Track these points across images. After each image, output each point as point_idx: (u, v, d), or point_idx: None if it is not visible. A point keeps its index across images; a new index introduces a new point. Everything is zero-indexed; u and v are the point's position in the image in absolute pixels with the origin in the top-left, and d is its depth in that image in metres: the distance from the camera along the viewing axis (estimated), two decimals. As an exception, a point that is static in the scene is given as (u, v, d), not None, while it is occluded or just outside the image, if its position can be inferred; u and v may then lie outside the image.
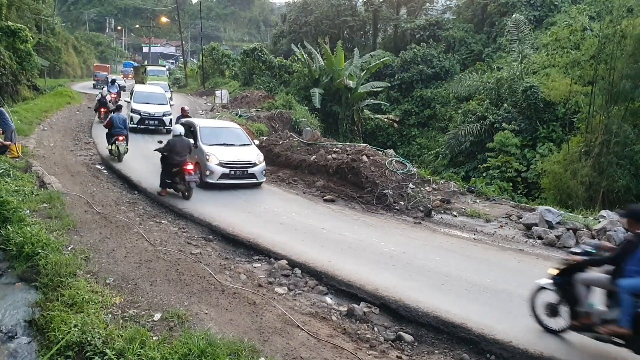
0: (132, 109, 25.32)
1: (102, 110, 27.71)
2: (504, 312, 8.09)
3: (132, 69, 74.23)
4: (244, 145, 17.48)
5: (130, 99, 26.34)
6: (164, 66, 68.27)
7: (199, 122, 18.01)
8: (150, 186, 15.93)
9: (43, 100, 34.46)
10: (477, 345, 7.40)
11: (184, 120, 19.59)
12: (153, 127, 25.67)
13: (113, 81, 36.33)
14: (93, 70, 71.21)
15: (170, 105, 28.76)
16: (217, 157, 15.89)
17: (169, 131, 23.09)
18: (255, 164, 16.52)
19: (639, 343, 6.16)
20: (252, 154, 16.84)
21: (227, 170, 15.92)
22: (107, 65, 74.82)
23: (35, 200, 12.38)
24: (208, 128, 17.71)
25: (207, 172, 15.76)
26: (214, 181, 15.79)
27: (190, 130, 17.14)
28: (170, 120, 25.25)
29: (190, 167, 14.35)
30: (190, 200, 14.43)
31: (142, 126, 25.29)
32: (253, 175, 16.51)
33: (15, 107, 26.96)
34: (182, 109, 22.52)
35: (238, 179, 16.24)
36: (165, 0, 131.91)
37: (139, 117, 25.33)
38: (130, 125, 22.72)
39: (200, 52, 73.41)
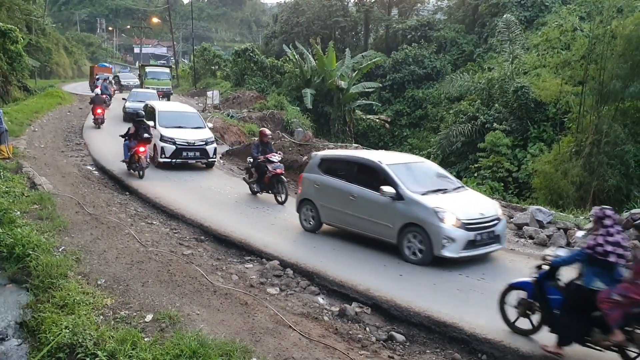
0: (162, 136, 18.45)
1: (97, 111, 27.46)
2: (496, 312, 8.10)
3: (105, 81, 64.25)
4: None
5: (155, 122, 19.11)
6: (168, 67, 57.79)
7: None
8: (141, 187, 15.90)
9: (34, 101, 34.30)
10: (468, 344, 7.43)
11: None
12: (194, 161, 19.17)
13: (106, 79, 38.21)
14: (94, 73, 52.29)
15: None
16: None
17: (210, 165, 19.57)
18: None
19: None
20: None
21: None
22: (109, 67, 72.88)
23: (26, 201, 12.32)
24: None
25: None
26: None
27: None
28: (215, 150, 19.52)
29: (142, 149, 16.68)
30: (178, 199, 14.38)
31: (178, 160, 18.56)
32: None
33: (6, 108, 26.79)
34: (262, 133, 16.39)
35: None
36: (156, 1, 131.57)
37: (174, 147, 18.41)
38: (162, 159, 18.44)
39: (192, 52, 73.31)
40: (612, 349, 6.47)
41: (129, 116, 26.34)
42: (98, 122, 27.56)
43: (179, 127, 19.25)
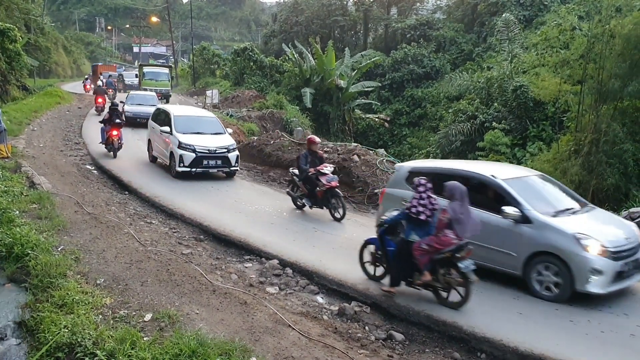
0: (180, 143, 16.90)
1: (98, 100, 31.53)
2: (494, 311, 8.12)
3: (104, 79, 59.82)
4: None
5: (171, 128, 17.65)
6: (167, 67, 51.94)
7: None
8: (141, 186, 15.89)
9: (32, 100, 34.25)
10: (467, 343, 7.44)
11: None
12: (215, 170, 17.72)
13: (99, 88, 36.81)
14: (99, 71, 56.64)
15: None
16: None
17: (231, 174, 18.08)
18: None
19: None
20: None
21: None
22: (114, 65, 72.42)
23: (24, 200, 12.31)
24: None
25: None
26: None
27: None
28: (237, 157, 17.91)
29: (114, 132, 19.18)
30: (177, 198, 14.37)
31: (199, 169, 17.12)
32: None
33: (5, 107, 26.78)
34: (311, 140, 14.17)
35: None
36: (155, 0, 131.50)
37: (194, 155, 16.90)
38: (180, 169, 16.91)
39: (191, 51, 73.33)
40: (427, 288, 8.46)
41: (129, 120, 25.33)
42: (99, 110, 31.00)
43: (198, 133, 17.65)
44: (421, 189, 8.31)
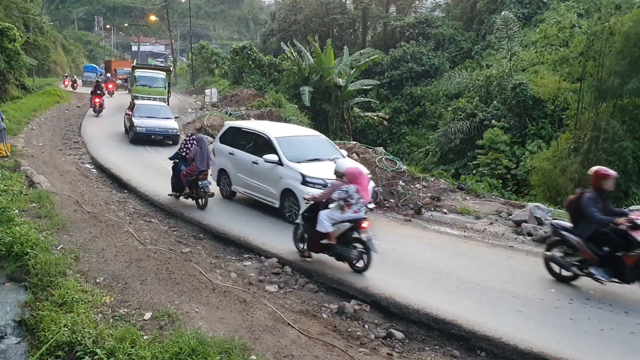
0: (304, 178, 12.32)
1: (97, 100, 31.28)
2: (495, 309, 8.12)
3: (96, 75, 56.24)
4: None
5: (279, 156, 13.13)
6: (165, 69, 39.16)
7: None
8: (140, 185, 15.89)
9: (32, 100, 34.29)
10: (467, 341, 7.43)
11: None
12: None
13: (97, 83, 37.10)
14: (112, 68, 57.22)
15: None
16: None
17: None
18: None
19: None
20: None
21: None
22: (128, 60, 71.22)
23: (24, 199, 12.33)
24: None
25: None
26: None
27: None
28: (372, 189, 12.79)
29: (97, 100, 26.74)
30: (180, 199, 14.36)
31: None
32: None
33: (4, 107, 26.78)
34: (601, 175, 8.90)
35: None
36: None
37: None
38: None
39: (190, 50, 73.28)
40: (190, 198, 13.96)
41: (142, 138, 22.80)
42: (96, 110, 31.57)
43: (314, 160, 13.19)
44: (190, 139, 13.94)
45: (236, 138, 14.77)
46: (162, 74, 35.68)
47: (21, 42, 36.88)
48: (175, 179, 14.15)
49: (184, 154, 13.81)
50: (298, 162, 12.81)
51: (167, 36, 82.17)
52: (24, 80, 40.25)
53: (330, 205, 9.58)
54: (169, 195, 14.50)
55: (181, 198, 14.17)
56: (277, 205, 12.97)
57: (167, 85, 34.66)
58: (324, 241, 9.54)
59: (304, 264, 10.02)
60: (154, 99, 30.23)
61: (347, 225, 9.39)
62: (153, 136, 23.01)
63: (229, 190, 14.81)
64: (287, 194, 12.64)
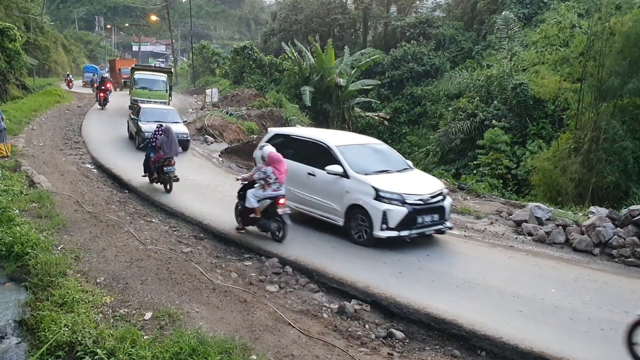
0: (378, 193, 10.88)
1: (102, 95, 34.45)
2: (495, 308, 8.12)
3: (96, 76, 51.96)
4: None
5: (343, 168, 11.62)
6: (166, 71, 36.36)
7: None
8: (141, 185, 15.90)
9: (32, 100, 34.29)
10: (468, 341, 7.43)
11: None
12: (431, 231, 11.46)
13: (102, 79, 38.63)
14: (117, 67, 57.20)
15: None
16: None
17: (441, 232, 11.73)
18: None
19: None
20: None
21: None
22: (133, 60, 71.03)
23: (24, 199, 12.34)
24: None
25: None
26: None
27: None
28: (449, 205, 11.96)
29: (101, 94, 29.48)
30: (177, 197, 14.40)
31: (413, 232, 11.01)
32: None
33: (4, 107, 26.80)
34: None
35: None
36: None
37: (405, 210, 10.82)
38: (384, 233, 10.78)
39: (191, 50, 73.31)
40: (157, 182, 15.56)
41: (147, 142, 19.19)
42: (101, 104, 34.66)
43: (382, 171, 11.87)
44: (158, 130, 15.66)
45: (284, 146, 12.75)
46: (163, 76, 33.33)
47: (22, 42, 36.96)
48: (145, 162, 15.93)
49: (152, 143, 15.48)
50: (366, 174, 11.38)
51: (168, 36, 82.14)
52: (24, 80, 40.28)
53: (255, 185, 11.45)
54: (142, 176, 16.18)
55: (154, 184, 15.81)
56: (340, 224, 11.44)
57: (168, 88, 32.66)
58: (252, 215, 11.39)
59: (304, 263, 10.01)
60: (154, 103, 28.13)
61: (268, 201, 11.23)
62: None
63: None
64: (355, 211, 11.17)
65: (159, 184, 15.52)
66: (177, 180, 15.25)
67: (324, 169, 11.71)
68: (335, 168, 11.50)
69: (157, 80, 32.34)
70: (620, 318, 7.80)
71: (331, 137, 12.77)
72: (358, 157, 12.08)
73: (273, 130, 14.37)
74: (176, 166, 15.06)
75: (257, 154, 13.27)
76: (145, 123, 21.55)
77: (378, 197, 10.85)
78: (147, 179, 16.08)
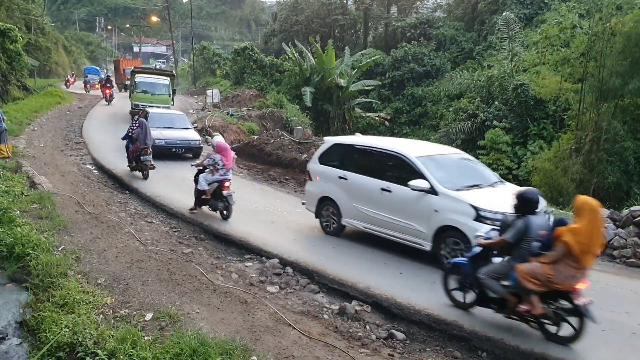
0: (478, 212, 9.24)
1: (107, 91, 38.41)
2: (497, 315, 8.10)
3: (98, 77, 54.98)
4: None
5: (430, 183, 9.94)
6: (169, 74, 33.27)
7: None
8: (141, 186, 15.90)
9: (33, 101, 34.28)
10: (468, 342, 7.43)
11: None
12: None
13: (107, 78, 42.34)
14: (122, 67, 56.09)
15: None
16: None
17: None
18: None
19: None
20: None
21: None
22: (138, 60, 70.91)
23: (25, 200, 12.33)
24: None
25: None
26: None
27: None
28: None
29: (107, 91, 27.97)
30: (182, 199, 14.41)
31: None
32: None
33: (5, 107, 26.80)
34: None
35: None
36: (155, 0, 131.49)
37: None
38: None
39: (191, 51, 73.32)
40: (136, 170, 16.88)
41: (162, 151, 19.50)
42: (107, 100, 38.31)
43: (474, 186, 10.23)
44: (135, 123, 16.88)
45: (347, 158, 11.82)
46: (165, 80, 31.17)
47: (23, 43, 36.93)
48: (127, 154, 17.24)
49: (130, 134, 16.79)
50: (457, 190, 9.77)
51: (169, 37, 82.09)
52: (25, 81, 40.25)
53: (206, 170, 12.95)
54: (127, 166, 17.48)
55: (134, 172, 17.24)
56: (426, 248, 9.85)
57: (171, 92, 30.64)
58: (204, 197, 12.92)
59: (305, 264, 10.01)
60: (158, 108, 25.60)
61: (216, 184, 12.73)
62: (174, 149, 20.16)
63: (337, 224, 11.84)
64: (447, 234, 9.55)
65: (137, 171, 16.98)
66: (153, 168, 16.65)
67: (402, 184, 10.13)
68: (420, 183, 9.80)
69: (160, 84, 30.47)
70: (622, 319, 7.80)
71: (408, 147, 11.09)
72: (443, 170, 10.42)
73: (330, 140, 12.77)
74: (177, 167, 15.08)
75: (310, 166, 12.64)
76: (153, 129, 19.04)
77: (479, 218, 9.14)
78: (140, 174, 17.07)
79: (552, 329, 7.11)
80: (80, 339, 6.27)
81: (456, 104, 33.55)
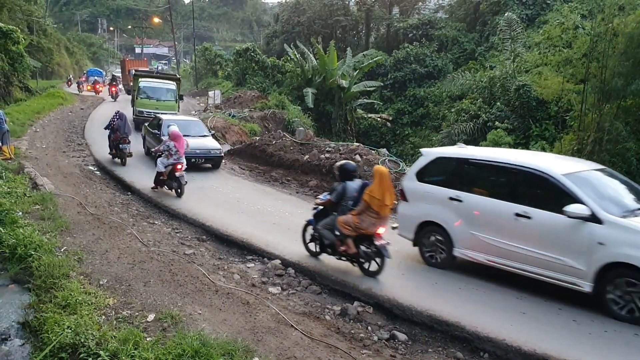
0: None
1: (113, 88, 44.19)
2: (498, 310, 8.10)
3: (102, 79, 55.38)
4: None
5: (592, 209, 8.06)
6: (175, 79, 30.96)
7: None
8: (143, 187, 15.92)
9: (35, 102, 34.38)
10: (470, 343, 7.42)
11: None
12: None
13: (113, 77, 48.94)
14: (127, 68, 52.84)
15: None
16: None
17: None
18: None
19: None
20: None
21: None
22: (145, 59, 70.11)
23: (27, 201, 12.35)
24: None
25: None
26: None
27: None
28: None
29: (113, 89, 34.46)
30: (184, 200, 14.46)
31: None
32: None
33: (7, 109, 26.86)
34: None
35: None
36: (157, 1, 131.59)
37: None
38: None
39: (193, 52, 73.39)
40: (116, 157, 19.25)
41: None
42: (113, 97, 43.84)
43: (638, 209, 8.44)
44: (116, 115, 19.00)
45: (460, 174, 10.02)
46: (171, 85, 29.06)
47: (25, 45, 37.02)
48: (109, 142, 19.40)
49: (112, 126, 18.81)
50: (624, 216, 8.05)
51: (171, 38, 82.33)
52: (27, 83, 40.35)
53: (162, 155, 15.15)
54: (108, 153, 19.66)
55: (115, 159, 19.33)
56: (586, 289, 8.02)
57: (177, 98, 28.69)
58: (161, 177, 15.19)
59: (307, 265, 10.02)
60: (170, 115, 23.39)
61: (170, 167, 14.91)
62: (193, 160, 18.11)
63: (446, 254, 9.87)
64: (616, 272, 7.77)
65: (117, 158, 19.07)
66: (130, 155, 18.74)
67: (545, 209, 8.47)
68: (579, 209, 7.99)
69: (166, 89, 28.45)
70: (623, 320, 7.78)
71: (548, 163, 9.23)
72: (598, 190, 8.66)
73: (431, 153, 10.77)
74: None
75: (406, 184, 10.74)
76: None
77: None
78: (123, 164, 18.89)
79: (366, 265, 9.42)
80: (82, 340, 6.27)
81: (458, 105, 33.52)
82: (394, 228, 11.08)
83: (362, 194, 9.07)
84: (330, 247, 9.82)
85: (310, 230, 10.39)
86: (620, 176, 9.76)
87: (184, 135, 17.92)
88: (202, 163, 19.14)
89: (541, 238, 8.48)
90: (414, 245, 10.42)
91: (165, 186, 15.41)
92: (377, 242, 9.08)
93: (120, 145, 18.49)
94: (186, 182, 15.07)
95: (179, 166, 14.89)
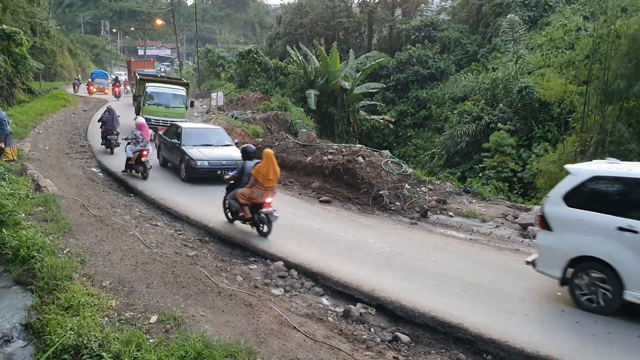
0: None
1: (116, 89, 47.02)
2: (501, 312, 8.08)
3: (107, 80, 55.82)
4: None
5: None
6: (182, 83, 29.67)
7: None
8: (146, 189, 15.92)
9: (38, 104, 34.43)
10: (473, 345, 7.40)
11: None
12: None
13: (116, 78, 50.46)
14: (132, 69, 50.11)
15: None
16: None
17: None
18: None
19: None
20: None
21: None
22: (152, 60, 68.75)
23: (30, 203, 12.37)
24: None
25: None
26: None
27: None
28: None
29: (116, 89, 41.28)
30: (181, 200, 14.44)
31: None
32: None
33: (11, 111, 26.91)
34: None
35: None
36: (160, 3, 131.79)
37: None
38: None
39: (196, 54, 73.40)
40: (106, 147, 21.61)
41: (203, 175, 16.99)
42: (117, 97, 46.48)
43: None
44: (106, 113, 21.22)
45: (630, 199, 8.08)
46: (181, 90, 27.28)
47: (28, 47, 37.06)
48: (101, 134, 21.82)
49: (102, 119, 21.36)
50: None
51: (173, 40, 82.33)
52: (30, 84, 40.40)
53: (130, 142, 17.09)
54: (100, 144, 21.98)
55: (104, 147, 21.71)
56: None
57: (187, 105, 26.94)
58: (130, 162, 17.11)
59: (309, 266, 10.01)
60: (171, 123, 21.98)
61: (137, 153, 16.83)
62: (219, 171, 16.26)
63: (613, 297, 7.87)
64: None
65: (106, 147, 21.42)
66: (118, 145, 21.02)
67: None
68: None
69: (175, 95, 26.65)
70: (627, 321, 7.76)
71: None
72: None
73: (584, 171, 8.51)
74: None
75: (548, 210, 8.56)
76: (191, 147, 17.30)
77: None
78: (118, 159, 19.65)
79: (261, 227, 11.74)
80: (85, 342, 6.28)
81: (460, 106, 33.56)
82: (528, 263, 8.99)
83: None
84: (235, 213, 12.27)
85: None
86: None
87: (205, 145, 17.73)
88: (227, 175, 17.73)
89: None
90: (562, 284, 8.47)
91: (135, 170, 17.36)
92: (265, 210, 11.44)
93: (108, 137, 21.21)
94: (151, 166, 17.19)
95: (144, 152, 16.87)
